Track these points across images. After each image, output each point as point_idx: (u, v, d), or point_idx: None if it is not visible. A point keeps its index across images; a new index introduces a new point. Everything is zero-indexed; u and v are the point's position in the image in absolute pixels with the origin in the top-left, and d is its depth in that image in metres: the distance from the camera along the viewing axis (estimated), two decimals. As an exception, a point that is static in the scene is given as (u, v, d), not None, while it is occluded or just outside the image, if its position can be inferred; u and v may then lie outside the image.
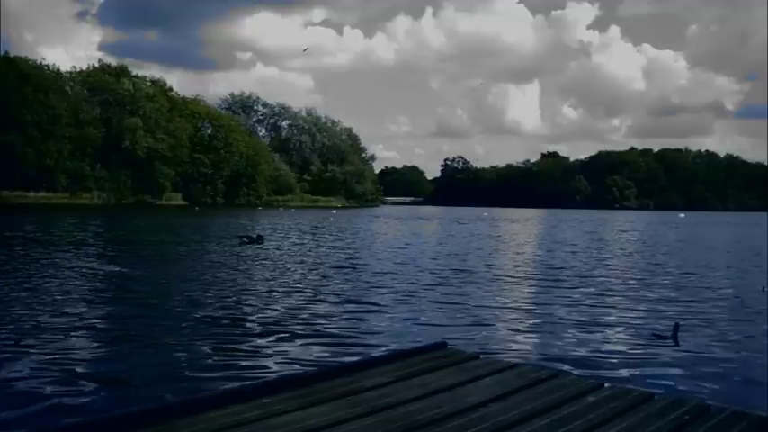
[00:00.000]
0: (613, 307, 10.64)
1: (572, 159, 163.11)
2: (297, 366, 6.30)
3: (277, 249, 20.60)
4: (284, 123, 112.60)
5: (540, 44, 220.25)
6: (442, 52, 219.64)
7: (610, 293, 12.23)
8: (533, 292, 12.29)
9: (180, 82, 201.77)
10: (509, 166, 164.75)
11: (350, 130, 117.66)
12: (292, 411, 3.04)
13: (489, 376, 3.76)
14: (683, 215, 79.20)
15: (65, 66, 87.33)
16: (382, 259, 18.36)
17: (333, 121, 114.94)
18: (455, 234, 34.17)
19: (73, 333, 7.66)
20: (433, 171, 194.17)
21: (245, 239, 22.98)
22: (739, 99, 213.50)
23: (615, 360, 7.08)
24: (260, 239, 23.15)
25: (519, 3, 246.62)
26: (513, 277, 14.69)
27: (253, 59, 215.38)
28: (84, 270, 13.77)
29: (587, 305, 10.66)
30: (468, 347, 5.66)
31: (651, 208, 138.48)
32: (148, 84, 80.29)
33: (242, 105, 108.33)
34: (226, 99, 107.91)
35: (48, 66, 70.80)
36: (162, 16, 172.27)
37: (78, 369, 6.13)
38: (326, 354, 6.95)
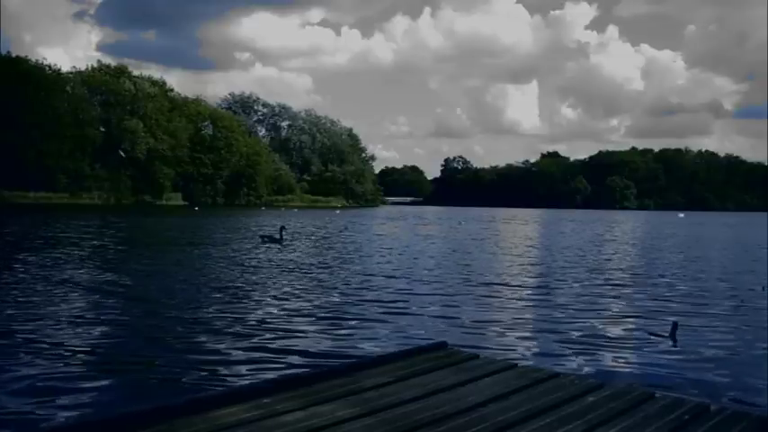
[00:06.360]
0: (613, 307, 10.64)
1: (572, 159, 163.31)
2: (297, 366, 6.29)
3: (286, 250, 20.58)
4: (284, 123, 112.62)
5: (539, 44, 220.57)
6: (441, 52, 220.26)
7: (609, 293, 12.22)
8: (533, 293, 12.28)
9: (179, 82, 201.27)
10: (509, 166, 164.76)
11: (350, 130, 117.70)
12: (292, 411, 3.04)
13: (489, 376, 3.77)
14: (682, 215, 79.15)
15: (62, 66, 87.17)
16: (383, 259, 18.36)
17: (333, 121, 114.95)
18: (455, 234, 34.16)
19: (74, 332, 7.66)
20: (432, 171, 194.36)
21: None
22: (738, 99, 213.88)
23: (615, 360, 7.07)
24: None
25: (517, 3, 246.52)
26: (514, 277, 14.69)
27: (251, 59, 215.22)
28: (86, 270, 13.77)
29: (587, 305, 10.66)
30: (469, 347, 5.66)
31: (651, 208, 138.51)
32: (149, 84, 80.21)
33: (242, 105, 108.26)
34: (226, 99, 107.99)
35: (48, 66, 70.89)
36: (160, 16, 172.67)
37: (79, 368, 6.13)
38: (326, 354, 6.95)
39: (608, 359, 7.08)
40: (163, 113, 77.90)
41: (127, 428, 2.78)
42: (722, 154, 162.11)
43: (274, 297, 10.87)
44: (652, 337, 7.96)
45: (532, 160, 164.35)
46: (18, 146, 61.10)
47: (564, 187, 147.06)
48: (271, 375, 5.78)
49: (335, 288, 12.08)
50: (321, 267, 15.61)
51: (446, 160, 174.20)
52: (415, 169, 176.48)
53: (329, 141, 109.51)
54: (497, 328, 8.57)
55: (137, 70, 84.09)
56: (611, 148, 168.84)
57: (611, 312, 10.10)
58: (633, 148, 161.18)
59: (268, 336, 7.78)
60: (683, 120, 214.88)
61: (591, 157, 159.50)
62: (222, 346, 7.21)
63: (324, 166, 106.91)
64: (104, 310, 9.32)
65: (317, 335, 7.98)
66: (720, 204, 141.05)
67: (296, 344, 7.41)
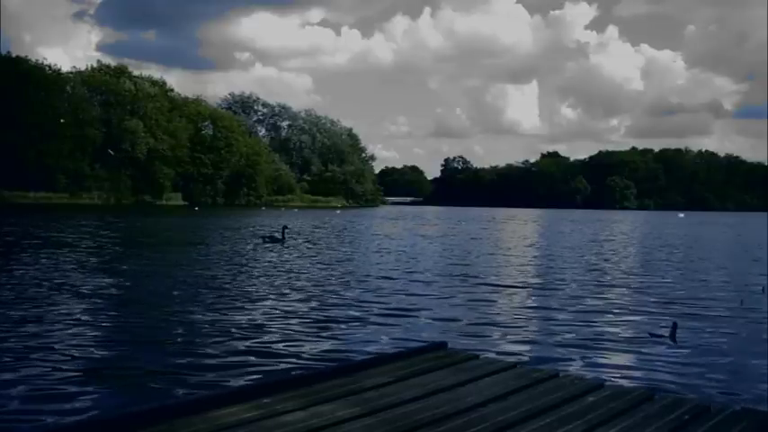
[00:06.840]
0: (612, 307, 10.63)
1: (572, 159, 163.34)
2: (297, 366, 6.29)
3: (286, 250, 20.58)
4: (284, 123, 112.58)
5: (539, 44, 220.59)
6: (441, 52, 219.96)
7: (609, 293, 12.23)
8: (533, 293, 12.28)
9: (178, 82, 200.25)
10: (509, 166, 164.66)
11: (350, 130, 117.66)
12: (292, 411, 3.04)
13: (489, 376, 3.77)
14: (682, 215, 79.10)
15: (62, 66, 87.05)
16: (383, 259, 18.36)
17: (333, 121, 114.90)
18: (455, 234, 34.16)
19: (74, 332, 7.65)
20: (432, 171, 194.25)
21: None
22: (738, 99, 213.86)
23: (615, 360, 7.08)
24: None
25: (517, 3, 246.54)
26: (513, 277, 14.69)
27: (251, 59, 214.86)
28: (84, 272, 13.77)
29: (587, 305, 10.66)
30: (468, 347, 5.66)
31: (651, 208, 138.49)
32: (149, 84, 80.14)
33: (242, 105, 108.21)
34: (226, 99, 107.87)
35: (48, 66, 70.87)
36: (160, 16, 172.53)
37: (79, 369, 6.13)
38: (326, 354, 6.95)
39: (608, 359, 7.08)
40: (163, 113, 77.85)
41: (127, 428, 2.78)
42: (722, 154, 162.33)
43: (274, 298, 10.88)
44: (652, 337, 7.96)
45: (532, 160, 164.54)
46: (18, 146, 61.07)
47: (564, 187, 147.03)
48: (271, 375, 5.79)
49: (335, 288, 12.08)
50: (321, 268, 15.62)
51: (446, 160, 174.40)
52: (415, 169, 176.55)
53: (329, 141, 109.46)
54: (497, 328, 8.57)
55: (137, 70, 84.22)
56: (611, 148, 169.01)
57: (611, 312, 10.10)
58: (633, 148, 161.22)
59: (268, 336, 7.79)
60: (683, 120, 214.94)
61: (591, 157, 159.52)
62: (222, 346, 7.21)
63: (324, 166, 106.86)
64: (102, 312, 9.32)
65: (317, 335, 7.98)
66: (720, 204, 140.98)
67: (296, 344, 7.42)
